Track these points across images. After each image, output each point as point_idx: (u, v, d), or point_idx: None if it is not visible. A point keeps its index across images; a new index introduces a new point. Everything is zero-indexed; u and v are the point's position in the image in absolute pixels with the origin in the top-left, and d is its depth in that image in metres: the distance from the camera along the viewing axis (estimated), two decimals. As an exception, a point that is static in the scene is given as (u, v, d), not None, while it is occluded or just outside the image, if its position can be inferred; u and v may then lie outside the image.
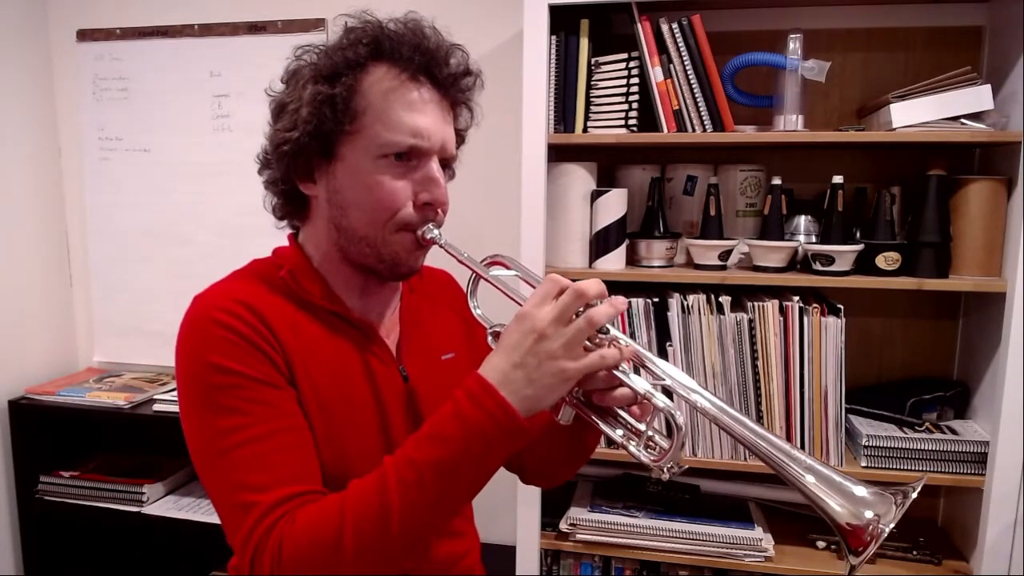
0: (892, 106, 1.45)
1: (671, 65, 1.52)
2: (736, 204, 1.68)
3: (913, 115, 1.44)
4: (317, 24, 1.96)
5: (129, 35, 2.15)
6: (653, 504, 1.68)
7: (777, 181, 1.54)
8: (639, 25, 1.52)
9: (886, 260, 1.50)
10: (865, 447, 1.51)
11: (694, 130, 1.53)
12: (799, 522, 1.68)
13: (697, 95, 1.51)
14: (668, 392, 0.79)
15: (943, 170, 1.49)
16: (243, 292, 0.85)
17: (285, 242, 0.97)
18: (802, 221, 1.63)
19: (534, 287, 0.83)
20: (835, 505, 0.69)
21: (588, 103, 1.59)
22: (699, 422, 1.56)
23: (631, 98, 1.55)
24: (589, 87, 1.58)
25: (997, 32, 1.57)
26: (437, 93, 0.88)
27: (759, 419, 1.53)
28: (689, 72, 1.51)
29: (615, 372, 0.77)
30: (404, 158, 0.85)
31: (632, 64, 1.54)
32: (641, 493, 1.73)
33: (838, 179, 1.51)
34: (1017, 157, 1.43)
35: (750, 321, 1.51)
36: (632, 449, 0.80)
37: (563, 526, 1.63)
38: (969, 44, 1.63)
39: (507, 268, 0.91)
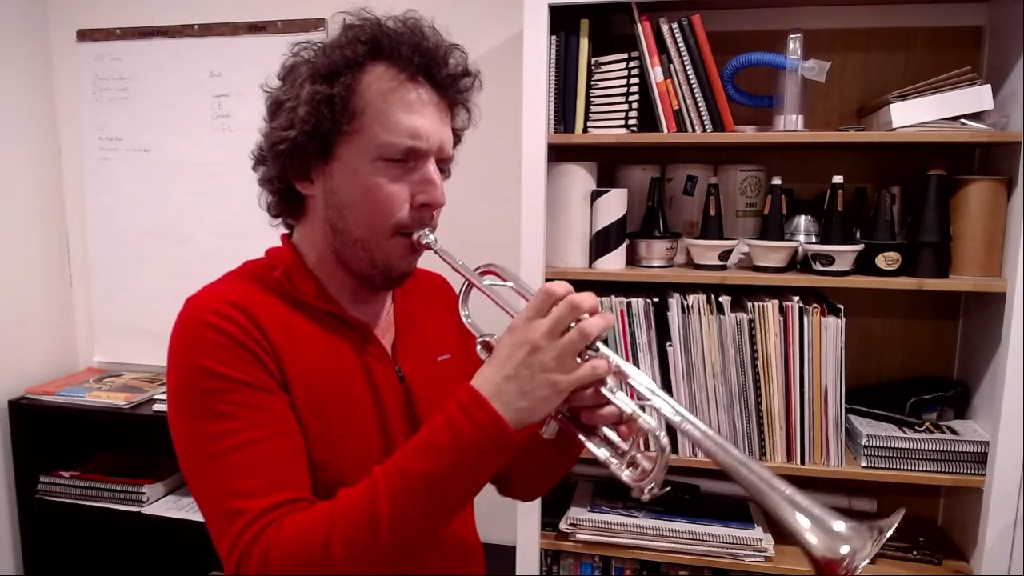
0: (892, 106, 1.45)
1: (671, 65, 1.52)
2: (736, 204, 1.68)
3: (913, 115, 1.44)
4: (317, 24, 1.96)
5: (129, 35, 2.15)
6: (653, 504, 1.67)
7: (777, 181, 1.54)
8: (639, 25, 1.52)
9: (886, 260, 1.50)
10: (865, 447, 1.51)
11: (694, 130, 1.53)
12: (799, 522, 1.68)
13: (697, 95, 1.51)
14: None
15: (943, 170, 1.49)
16: (235, 294, 0.84)
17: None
18: (802, 221, 1.63)
19: (527, 299, 0.82)
20: (812, 538, 0.69)
21: (588, 103, 1.59)
22: (700, 420, 1.56)
23: (631, 98, 1.55)
24: (589, 87, 1.58)
25: (997, 32, 1.57)
26: (436, 94, 0.87)
27: (759, 419, 1.53)
28: (689, 72, 1.51)
29: (604, 391, 0.77)
30: (402, 160, 0.84)
31: (632, 64, 1.54)
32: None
33: (838, 179, 1.51)
34: (1017, 157, 1.43)
35: (750, 321, 1.51)
36: (614, 468, 0.79)
37: (563, 526, 1.63)
38: (969, 44, 1.63)
39: (500, 278, 0.90)
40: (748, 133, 1.56)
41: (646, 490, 0.76)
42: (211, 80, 2.10)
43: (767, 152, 1.74)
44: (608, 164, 1.77)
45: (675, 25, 1.50)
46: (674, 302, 1.54)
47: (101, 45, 2.18)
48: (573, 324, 0.74)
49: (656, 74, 1.52)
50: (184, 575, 2.00)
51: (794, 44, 1.49)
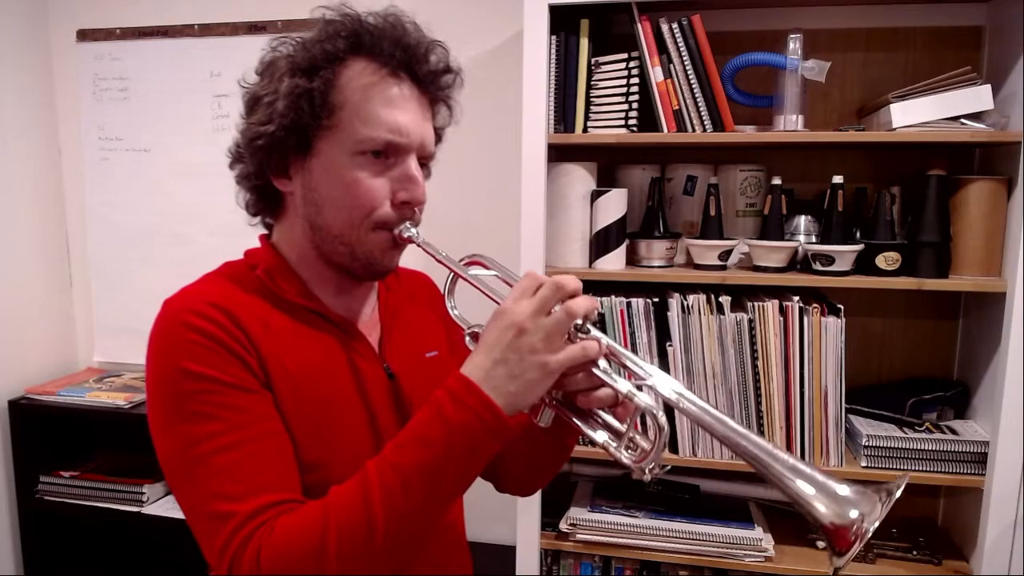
0: (892, 106, 1.45)
1: (671, 65, 1.52)
2: (736, 204, 1.68)
3: (913, 115, 1.44)
4: (317, 24, 1.95)
5: (129, 35, 2.15)
6: (653, 504, 1.68)
7: (777, 181, 1.54)
8: (639, 25, 1.52)
9: (886, 260, 1.50)
10: (865, 447, 1.51)
11: (694, 130, 1.53)
12: (799, 522, 1.68)
13: (697, 95, 1.51)
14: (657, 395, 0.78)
15: (943, 170, 1.49)
16: (214, 294, 0.82)
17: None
18: (802, 221, 1.63)
19: (512, 286, 0.81)
20: (819, 505, 0.68)
21: (588, 103, 1.59)
22: (699, 422, 1.56)
23: (631, 98, 1.55)
24: (589, 87, 1.58)
25: (997, 32, 1.57)
26: (417, 90, 0.86)
27: (759, 419, 1.53)
28: (689, 72, 1.51)
29: (596, 372, 0.76)
30: (382, 155, 0.83)
31: (632, 64, 1.54)
32: (641, 493, 1.73)
33: (838, 179, 1.51)
34: (1017, 157, 1.43)
35: (750, 321, 1.51)
36: (613, 450, 0.78)
37: (563, 526, 1.63)
38: (969, 44, 1.63)
39: (486, 268, 0.89)
40: (748, 133, 1.56)
41: (647, 470, 0.76)
42: (211, 80, 2.10)
43: (767, 152, 1.74)
44: (608, 164, 1.77)
45: (675, 25, 1.50)
46: (674, 302, 1.54)
47: (101, 45, 2.18)
48: (559, 306, 0.74)
49: (656, 74, 1.52)
50: (184, 575, 2.00)
51: (794, 44, 1.49)
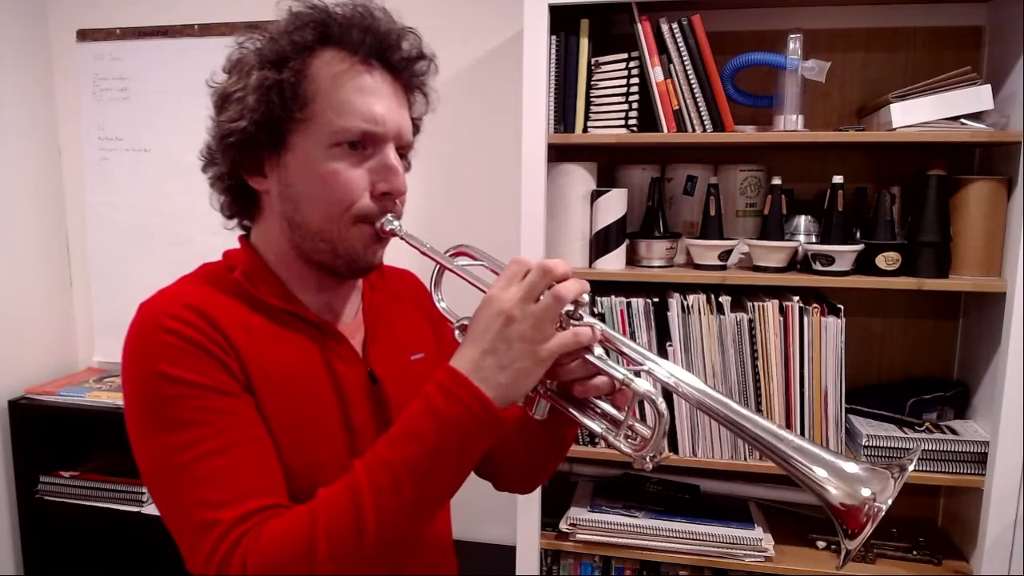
0: (892, 106, 1.45)
1: (671, 65, 1.52)
2: (736, 204, 1.68)
3: (913, 115, 1.44)
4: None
5: (129, 35, 2.15)
6: (653, 504, 1.68)
7: (777, 181, 1.54)
8: (639, 25, 1.52)
9: (886, 260, 1.50)
10: (865, 447, 1.51)
11: (694, 130, 1.53)
12: (799, 522, 1.68)
13: (697, 95, 1.51)
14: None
15: (943, 170, 1.49)
16: (191, 296, 0.79)
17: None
18: (802, 221, 1.63)
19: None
20: (829, 487, 0.65)
21: (588, 103, 1.59)
22: (699, 421, 1.56)
23: (631, 98, 1.55)
24: (589, 87, 1.58)
25: (997, 32, 1.57)
26: (390, 77, 0.83)
27: (759, 419, 1.53)
28: (689, 72, 1.51)
29: (591, 359, 0.74)
30: (358, 146, 0.80)
31: (632, 64, 1.54)
32: (641, 493, 1.73)
33: (838, 179, 1.51)
34: (1017, 157, 1.43)
35: (750, 321, 1.51)
36: (612, 440, 0.76)
37: (563, 526, 1.63)
38: (969, 44, 1.63)
39: (473, 258, 0.86)
40: (748, 133, 1.56)
41: (647, 458, 0.74)
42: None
43: (767, 152, 1.74)
44: (608, 164, 1.76)
45: (675, 25, 1.50)
46: (674, 302, 1.54)
47: (101, 45, 2.17)
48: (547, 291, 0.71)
49: (656, 74, 1.52)
50: (183, 575, 2.00)
51: (794, 44, 1.49)
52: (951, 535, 1.68)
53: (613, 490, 1.76)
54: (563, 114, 1.59)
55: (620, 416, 0.77)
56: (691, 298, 1.53)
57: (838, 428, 1.51)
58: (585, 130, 1.59)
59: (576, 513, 1.64)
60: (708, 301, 1.53)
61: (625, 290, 1.62)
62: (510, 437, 0.94)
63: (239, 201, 0.88)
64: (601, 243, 1.60)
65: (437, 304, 0.89)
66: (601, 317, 1.57)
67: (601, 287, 1.63)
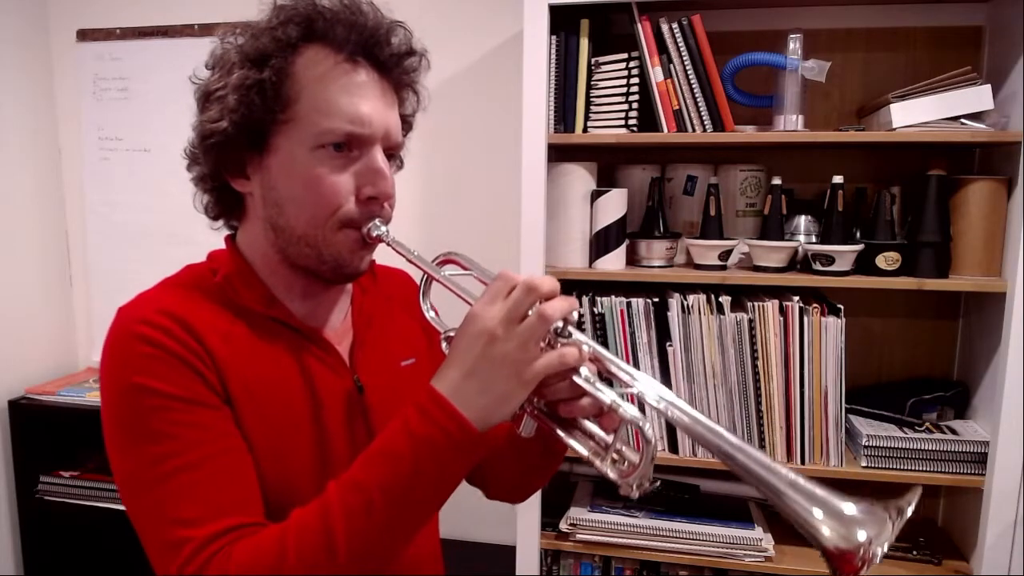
0: (892, 106, 1.45)
1: (671, 65, 1.52)
2: (736, 204, 1.68)
3: (913, 115, 1.44)
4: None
5: (129, 35, 2.15)
6: (653, 504, 1.68)
7: (777, 181, 1.54)
8: (639, 25, 1.52)
9: (886, 260, 1.50)
10: (865, 447, 1.51)
11: (694, 130, 1.53)
12: (799, 522, 1.68)
13: (697, 95, 1.51)
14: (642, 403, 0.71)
15: (943, 170, 1.49)
16: (171, 302, 0.77)
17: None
18: (802, 221, 1.63)
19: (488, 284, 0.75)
20: (824, 528, 0.61)
21: (588, 103, 1.59)
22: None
23: (631, 98, 1.55)
24: (589, 87, 1.58)
25: (997, 32, 1.57)
26: (378, 75, 0.79)
27: (759, 419, 1.53)
28: (689, 72, 1.51)
29: (579, 380, 0.70)
30: (344, 148, 0.77)
31: (632, 64, 1.54)
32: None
33: (838, 179, 1.51)
34: (1017, 157, 1.43)
35: (750, 321, 1.51)
36: (599, 464, 0.72)
37: (563, 526, 1.63)
38: (969, 44, 1.63)
39: (462, 267, 0.82)
40: (748, 133, 1.56)
41: (634, 486, 0.70)
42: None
43: (767, 152, 1.74)
44: (608, 164, 1.77)
45: (675, 25, 1.50)
46: (674, 302, 1.54)
47: (101, 45, 2.18)
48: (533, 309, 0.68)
49: (656, 74, 1.52)
50: (184, 575, 2.00)
51: (794, 44, 1.49)
52: (951, 535, 1.68)
53: (613, 490, 1.75)
54: (563, 114, 1.59)
55: (606, 438, 0.74)
56: (691, 298, 1.53)
57: (838, 428, 1.51)
58: (585, 130, 1.59)
59: (576, 513, 1.64)
60: (708, 301, 1.53)
61: (625, 290, 1.62)
62: (500, 450, 0.91)
63: (223, 202, 0.85)
64: (601, 243, 1.60)
65: (425, 314, 0.87)
66: (601, 317, 1.57)
67: (601, 287, 1.63)
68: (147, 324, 0.73)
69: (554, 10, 1.52)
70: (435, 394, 0.68)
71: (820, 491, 0.62)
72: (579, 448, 0.74)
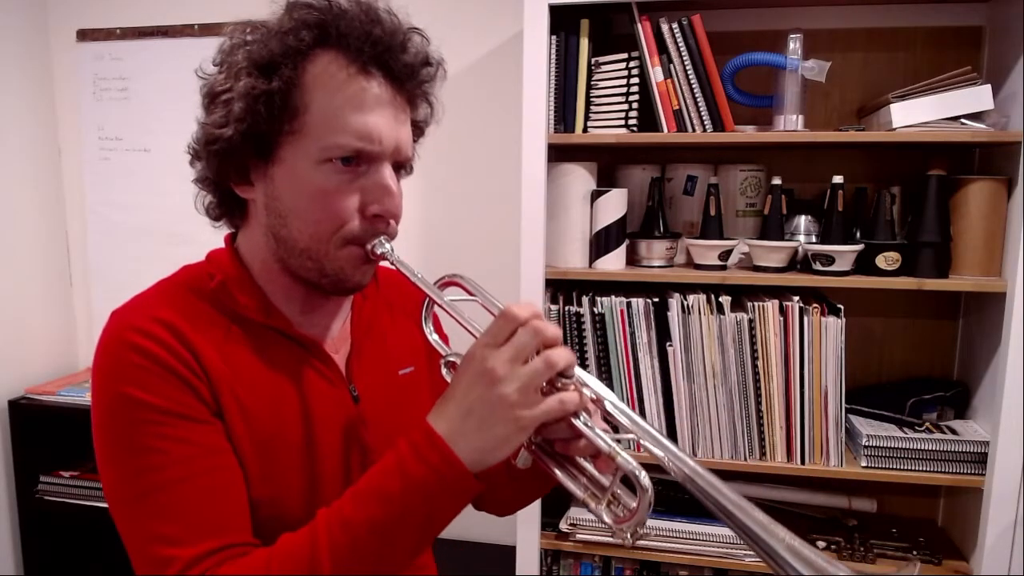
0: (892, 106, 1.45)
1: (671, 65, 1.52)
2: (736, 204, 1.68)
3: (913, 115, 1.44)
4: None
5: (129, 35, 2.15)
6: (653, 504, 1.67)
7: (777, 181, 1.54)
8: (639, 25, 1.52)
9: (886, 260, 1.50)
10: (865, 447, 1.51)
11: (694, 130, 1.53)
12: (799, 522, 1.68)
13: (697, 95, 1.51)
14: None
15: (943, 170, 1.49)
16: (164, 309, 0.74)
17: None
18: (802, 221, 1.63)
19: (493, 314, 0.73)
20: None
21: (588, 103, 1.59)
22: (699, 421, 1.56)
23: (631, 98, 1.55)
24: (589, 87, 1.58)
25: (997, 32, 1.57)
26: (391, 87, 0.76)
27: (759, 419, 1.53)
28: (689, 72, 1.51)
29: (577, 424, 0.68)
30: (352, 162, 0.74)
31: (632, 64, 1.54)
32: (641, 493, 1.72)
33: (838, 179, 1.51)
34: (1017, 157, 1.43)
35: (750, 321, 1.51)
36: (593, 507, 0.71)
37: (563, 526, 1.63)
38: (969, 44, 1.63)
39: (465, 290, 0.81)
40: (748, 133, 1.56)
41: (628, 533, 0.69)
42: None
43: (767, 152, 1.74)
44: (608, 164, 1.77)
45: (675, 25, 1.50)
46: (674, 302, 1.54)
47: (101, 45, 2.18)
48: (537, 353, 0.67)
49: (656, 74, 1.52)
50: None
51: (794, 44, 1.49)
52: (951, 535, 1.68)
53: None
54: (563, 114, 1.59)
55: (603, 480, 0.72)
56: (691, 298, 1.53)
57: (838, 428, 1.51)
58: (585, 130, 1.59)
59: (576, 513, 1.64)
60: (708, 301, 1.53)
61: (625, 290, 1.62)
62: (494, 475, 0.89)
63: (225, 204, 0.82)
64: (601, 243, 1.60)
65: (428, 337, 0.85)
66: (601, 317, 1.57)
67: (601, 287, 1.63)
68: (139, 333, 0.71)
69: (554, 10, 1.52)
70: (431, 433, 0.67)
71: (819, 559, 0.60)
72: (575, 490, 0.72)
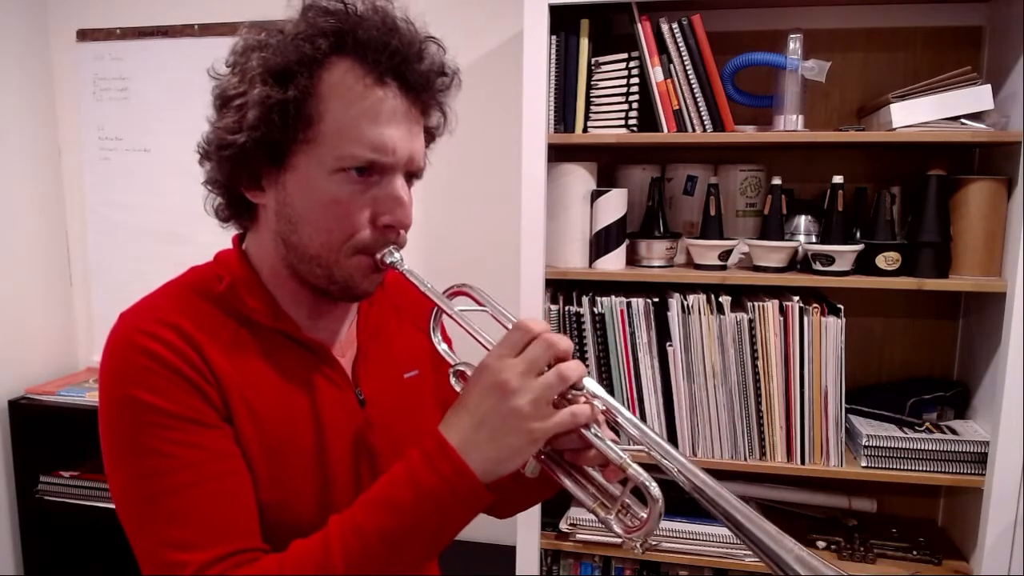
0: (892, 106, 1.45)
1: (671, 65, 1.52)
2: (736, 204, 1.68)
3: (913, 115, 1.44)
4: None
5: (129, 35, 2.15)
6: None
7: (777, 181, 1.54)
8: (639, 25, 1.52)
9: (886, 260, 1.50)
10: (865, 447, 1.51)
11: (694, 130, 1.53)
12: (799, 522, 1.68)
13: (697, 95, 1.51)
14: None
15: (943, 170, 1.49)
16: (173, 311, 0.74)
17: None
18: (802, 221, 1.63)
19: (503, 324, 0.74)
20: None
21: (588, 103, 1.59)
22: (699, 421, 1.56)
23: (631, 98, 1.55)
24: (589, 87, 1.58)
25: (997, 32, 1.57)
26: (406, 98, 0.76)
27: (759, 419, 1.53)
28: (689, 72, 1.51)
29: (588, 435, 0.69)
30: (364, 173, 0.74)
31: (632, 64, 1.54)
32: (641, 493, 1.72)
33: (838, 179, 1.51)
34: (1017, 157, 1.43)
35: (750, 321, 1.51)
36: (603, 516, 0.71)
37: (563, 526, 1.63)
38: (969, 44, 1.63)
39: (474, 300, 0.81)
40: (748, 133, 1.56)
41: (638, 543, 0.69)
42: (211, 80, 2.10)
43: (767, 152, 1.74)
44: (608, 164, 1.77)
45: (675, 25, 1.50)
46: (674, 302, 1.54)
47: (101, 45, 2.18)
48: (550, 366, 0.68)
49: (656, 74, 1.52)
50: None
51: (794, 44, 1.49)
52: (951, 535, 1.68)
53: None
54: (563, 114, 1.59)
55: (611, 489, 0.73)
56: (691, 298, 1.53)
57: (838, 428, 1.51)
58: (585, 130, 1.59)
59: (576, 513, 1.64)
60: (708, 301, 1.53)
61: (625, 290, 1.62)
62: (503, 481, 0.92)
63: (234, 206, 0.82)
64: (601, 243, 1.60)
65: (437, 346, 0.84)
66: (601, 317, 1.57)
67: (601, 287, 1.63)
68: (148, 336, 0.71)
69: (554, 10, 1.52)
70: (443, 443, 0.67)
71: (827, 569, 0.61)
72: (584, 499, 0.73)
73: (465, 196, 2.00)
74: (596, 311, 1.58)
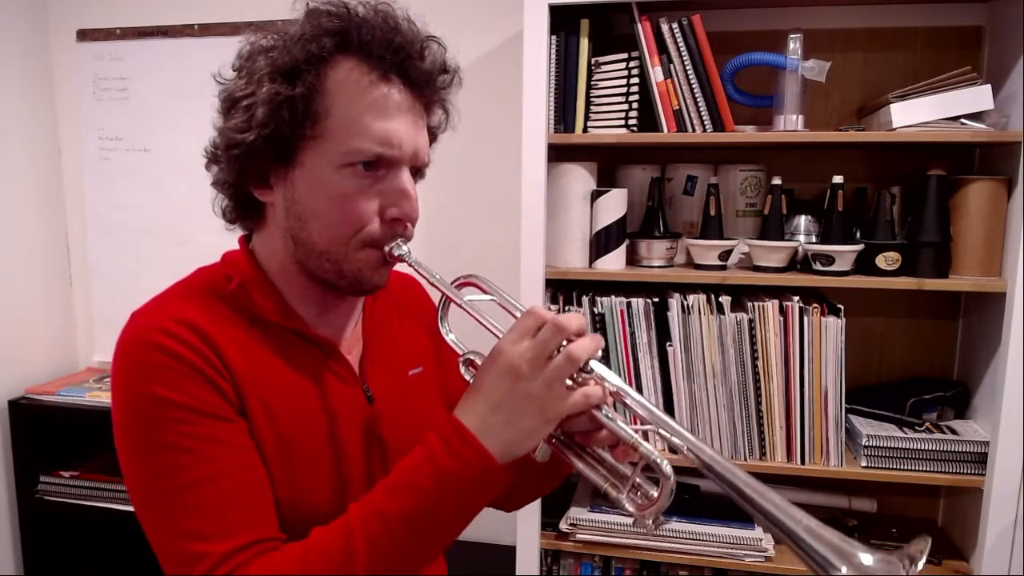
0: (892, 106, 1.45)
1: (671, 65, 1.52)
2: (736, 204, 1.68)
3: (913, 115, 1.44)
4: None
5: (129, 35, 2.15)
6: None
7: (777, 181, 1.54)
8: (639, 25, 1.52)
9: (886, 260, 1.50)
10: (865, 447, 1.51)
11: (694, 130, 1.53)
12: (799, 522, 1.68)
13: (697, 95, 1.51)
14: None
15: (943, 170, 1.49)
16: (186, 309, 0.76)
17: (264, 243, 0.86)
18: (802, 221, 1.63)
19: (511, 313, 0.77)
20: (844, 570, 0.62)
21: (588, 103, 1.59)
22: (699, 421, 1.56)
23: (631, 98, 1.55)
24: (589, 87, 1.58)
25: (997, 32, 1.57)
26: (410, 94, 0.78)
27: (759, 419, 1.53)
28: (689, 72, 1.51)
29: (599, 416, 0.71)
30: (371, 167, 0.76)
31: (632, 64, 1.54)
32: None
33: (838, 179, 1.51)
34: (1017, 157, 1.43)
35: (750, 321, 1.51)
36: (615, 495, 0.73)
37: (563, 526, 1.63)
38: (969, 44, 1.63)
39: (481, 290, 0.83)
40: (748, 133, 1.56)
41: (650, 520, 0.72)
42: (211, 80, 2.09)
43: (767, 152, 1.74)
44: (608, 164, 1.76)
45: (675, 25, 1.50)
46: (674, 302, 1.54)
47: (101, 45, 2.17)
48: (560, 348, 0.69)
49: (656, 74, 1.52)
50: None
51: (794, 44, 1.49)
52: (951, 535, 1.68)
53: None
54: (563, 114, 1.59)
55: (622, 469, 0.75)
56: (691, 298, 1.53)
57: (838, 428, 1.51)
58: (585, 130, 1.59)
59: (576, 513, 1.64)
60: (708, 301, 1.53)
61: (625, 290, 1.62)
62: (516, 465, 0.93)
63: (242, 207, 0.84)
64: (601, 243, 1.60)
65: (445, 336, 0.86)
66: (601, 318, 1.57)
67: (601, 287, 1.63)
68: (164, 333, 0.72)
69: (554, 10, 1.52)
70: (461, 427, 0.69)
71: (838, 539, 0.64)
72: (596, 480, 0.75)
73: (465, 196, 2.00)
74: (596, 311, 1.58)
